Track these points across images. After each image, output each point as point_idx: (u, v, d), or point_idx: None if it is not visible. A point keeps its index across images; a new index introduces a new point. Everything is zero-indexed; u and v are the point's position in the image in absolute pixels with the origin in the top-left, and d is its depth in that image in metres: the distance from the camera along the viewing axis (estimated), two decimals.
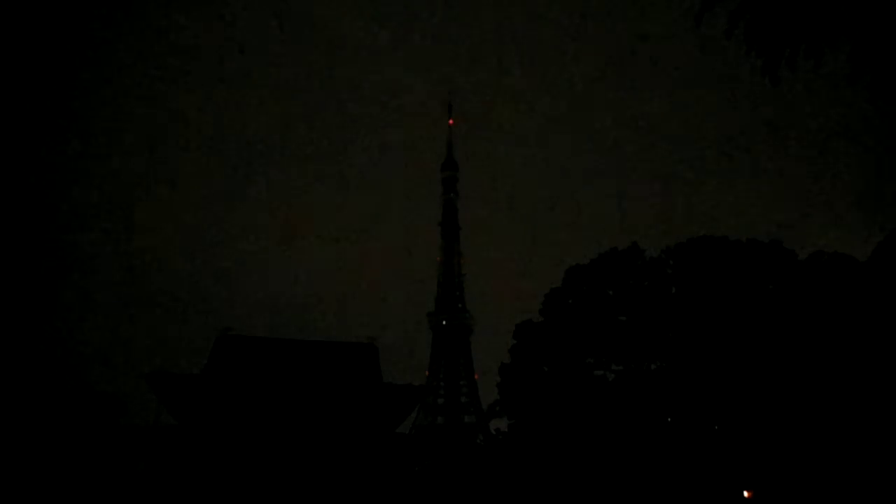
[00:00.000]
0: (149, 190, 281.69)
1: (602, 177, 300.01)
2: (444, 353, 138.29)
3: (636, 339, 35.56)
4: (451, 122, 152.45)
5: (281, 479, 29.48)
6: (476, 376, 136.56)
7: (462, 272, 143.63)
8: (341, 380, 33.13)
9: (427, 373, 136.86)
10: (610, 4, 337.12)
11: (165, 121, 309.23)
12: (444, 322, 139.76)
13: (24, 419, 29.23)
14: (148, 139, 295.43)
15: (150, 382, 30.28)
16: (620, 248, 38.19)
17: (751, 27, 6.34)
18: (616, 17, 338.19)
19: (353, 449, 30.75)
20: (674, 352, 34.91)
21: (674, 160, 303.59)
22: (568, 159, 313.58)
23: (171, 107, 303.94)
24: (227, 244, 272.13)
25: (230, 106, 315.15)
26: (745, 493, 30.28)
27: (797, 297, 32.01)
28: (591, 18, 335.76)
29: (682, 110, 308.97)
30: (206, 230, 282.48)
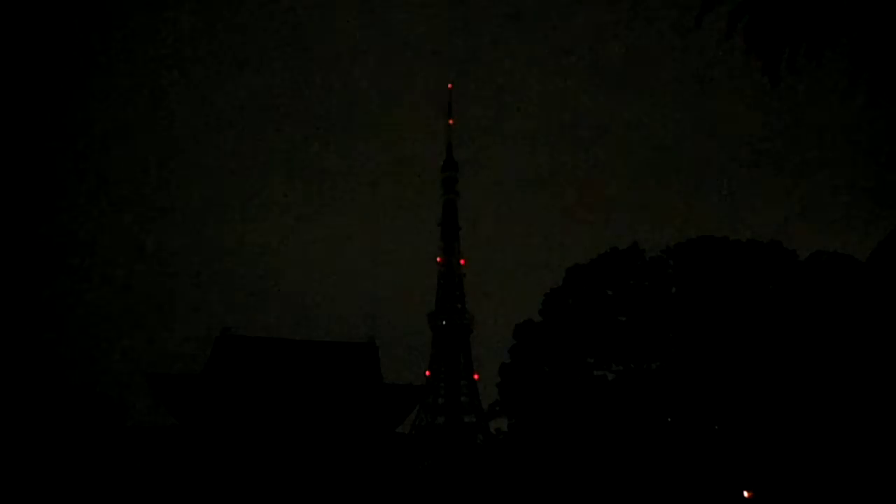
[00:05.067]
0: (149, 191, 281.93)
1: (602, 176, 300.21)
2: (444, 353, 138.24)
3: (636, 339, 35.57)
4: (451, 122, 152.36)
5: (281, 480, 29.48)
6: (476, 376, 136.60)
7: (462, 272, 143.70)
8: (341, 380, 33.12)
9: (427, 373, 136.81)
10: (611, 6, 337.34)
11: (165, 122, 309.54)
12: (444, 322, 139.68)
13: (25, 420, 29.23)
14: (148, 140, 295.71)
15: (151, 383, 30.28)
16: (620, 248, 38.21)
17: (751, 27, 6.34)
18: (616, 17, 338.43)
19: (353, 449, 30.74)
20: (674, 352, 34.92)
21: (674, 160, 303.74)
22: (568, 159, 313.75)
23: (170, 108, 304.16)
24: (227, 244, 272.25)
25: (228, 106, 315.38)
26: (746, 494, 30.28)
27: (797, 297, 32.02)
28: (591, 19, 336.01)
29: (683, 110, 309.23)
30: (206, 230, 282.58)
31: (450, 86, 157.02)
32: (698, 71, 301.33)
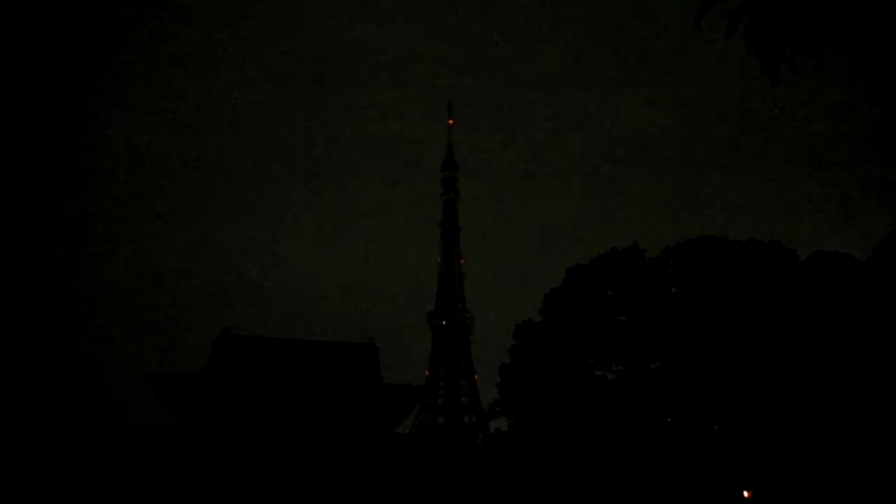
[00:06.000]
0: (150, 192, 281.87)
1: (602, 177, 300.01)
2: (444, 353, 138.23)
3: (636, 339, 35.55)
4: (451, 121, 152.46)
5: (281, 480, 29.47)
6: (476, 376, 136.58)
7: (462, 272, 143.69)
8: (341, 380, 33.12)
9: (427, 373, 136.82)
10: (610, 5, 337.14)
11: (167, 125, 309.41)
12: (444, 322, 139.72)
13: (25, 420, 29.22)
14: (148, 142, 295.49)
15: (151, 383, 30.27)
16: (620, 248, 38.17)
17: (751, 27, 6.34)
18: (616, 17, 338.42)
19: (353, 449, 30.74)
20: (674, 352, 34.90)
21: (674, 160, 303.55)
22: (568, 159, 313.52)
23: (171, 110, 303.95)
24: (227, 244, 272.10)
25: (227, 107, 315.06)
26: (745, 494, 30.27)
27: (797, 297, 32.00)
28: (591, 19, 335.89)
29: (683, 110, 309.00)
30: (206, 231, 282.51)
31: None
32: (698, 71, 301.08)
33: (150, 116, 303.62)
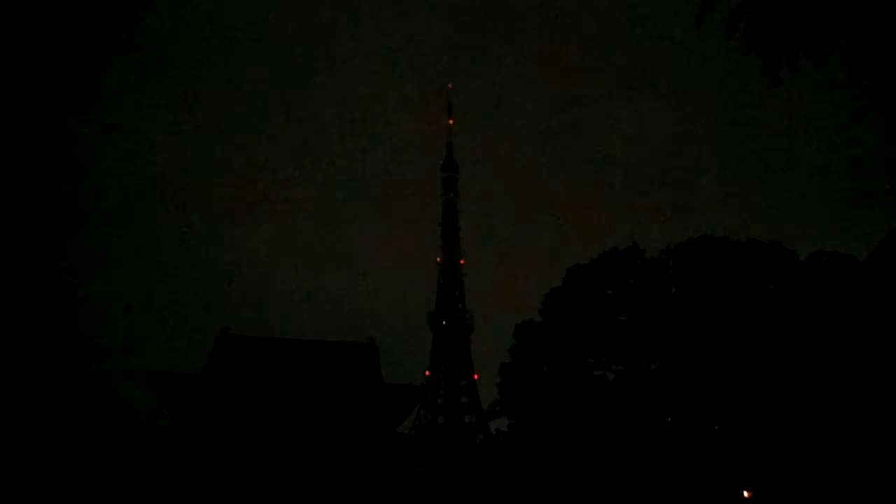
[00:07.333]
0: (149, 191, 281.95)
1: (602, 176, 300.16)
2: (444, 353, 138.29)
3: (636, 339, 35.54)
4: (451, 121, 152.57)
5: (281, 480, 29.47)
6: (476, 376, 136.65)
7: (462, 272, 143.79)
8: (341, 380, 33.12)
9: (427, 373, 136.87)
10: (611, 5, 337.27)
11: (165, 122, 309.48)
12: (444, 322, 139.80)
13: (24, 419, 29.23)
14: (147, 140, 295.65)
15: (150, 383, 30.27)
16: (620, 248, 38.17)
17: (751, 27, 6.34)
18: (616, 17, 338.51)
19: (353, 449, 30.74)
20: (674, 352, 34.90)
21: (674, 160, 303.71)
22: (568, 159, 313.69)
23: (169, 107, 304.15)
24: (227, 244, 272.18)
25: (228, 108, 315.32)
26: (745, 494, 30.27)
27: (797, 297, 32.00)
28: (591, 18, 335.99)
29: (682, 110, 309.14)
30: (206, 230, 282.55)
31: (450, 86, 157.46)
32: (698, 70, 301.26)
33: (146, 115, 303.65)
